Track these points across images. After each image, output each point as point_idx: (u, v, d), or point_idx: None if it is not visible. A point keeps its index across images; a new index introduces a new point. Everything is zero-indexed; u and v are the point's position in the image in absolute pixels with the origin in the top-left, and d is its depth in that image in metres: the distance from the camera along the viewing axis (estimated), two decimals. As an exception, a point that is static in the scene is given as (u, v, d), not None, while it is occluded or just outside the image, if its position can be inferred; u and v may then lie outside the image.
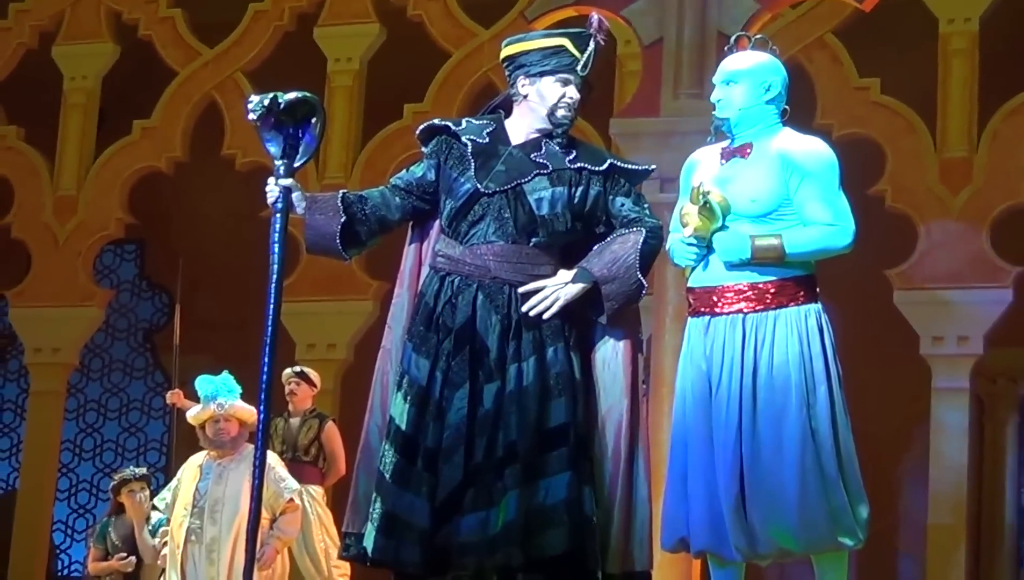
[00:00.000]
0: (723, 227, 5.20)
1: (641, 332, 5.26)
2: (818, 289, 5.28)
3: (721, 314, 5.22)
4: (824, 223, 5.18)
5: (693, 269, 5.33)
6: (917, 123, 10.80)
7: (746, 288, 5.21)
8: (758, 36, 5.47)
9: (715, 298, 5.24)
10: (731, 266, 5.19)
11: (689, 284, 5.36)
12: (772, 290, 5.20)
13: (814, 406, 5.13)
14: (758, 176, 5.21)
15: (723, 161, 5.32)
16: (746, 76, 5.31)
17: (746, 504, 5.11)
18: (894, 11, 10.38)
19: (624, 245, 5.06)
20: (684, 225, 5.24)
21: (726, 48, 5.51)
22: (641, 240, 5.06)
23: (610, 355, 5.12)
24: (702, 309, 5.28)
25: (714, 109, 5.38)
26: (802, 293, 5.23)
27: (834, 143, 11.04)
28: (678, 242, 5.30)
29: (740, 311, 5.20)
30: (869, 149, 10.72)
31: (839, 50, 11.01)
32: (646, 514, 5.09)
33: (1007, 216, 10.62)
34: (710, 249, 5.24)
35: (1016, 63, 11.00)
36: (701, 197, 5.13)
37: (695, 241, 5.22)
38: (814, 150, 5.27)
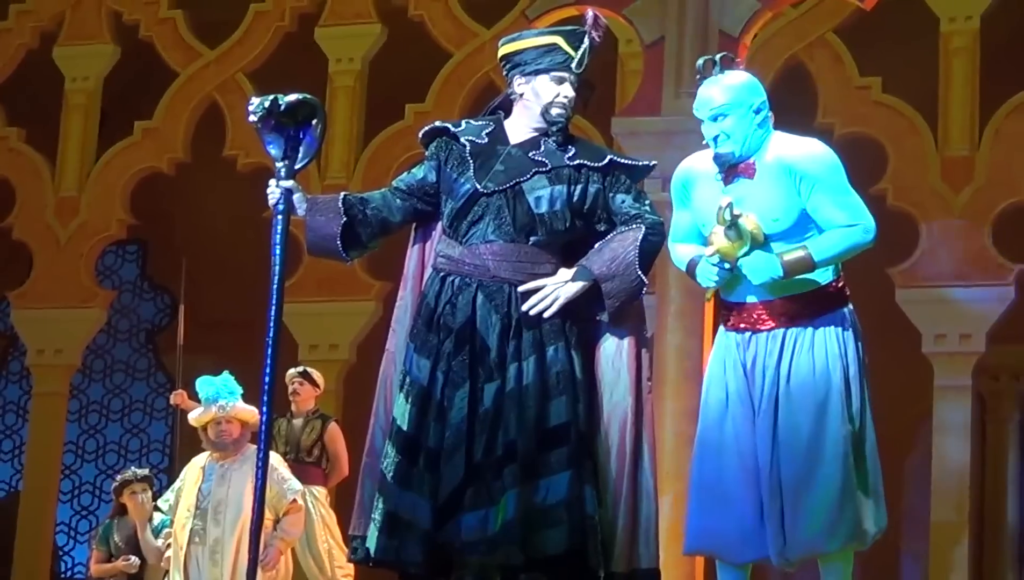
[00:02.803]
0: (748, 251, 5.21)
1: (646, 329, 5.26)
2: (847, 291, 5.31)
3: (761, 330, 5.24)
4: (844, 225, 5.19)
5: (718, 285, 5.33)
6: (919, 122, 10.81)
7: (784, 303, 5.23)
8: (722, 55, 5.43)
9: (756, 315, 5.26)
10: (763, 285, 5.20)
11: (728, 299, 5.35)
12: (808, 302, 5.23)
13: (851, 405, 5.18)
14: (770, 194, 5.20)
15: (725, 182, 5.30)
16: (733, 107, 5.26)
17: (784, 511, 5.14)
18: (895, 10, 10.38)
19: (624, 242, 5.06)
20: (709, 244, 5.23)
21: (697, 76, 5.45)
22: (641, 237, 5.05)
23: (614, 352, 5.11)
24: (742, 325, 5.29)
25: (710, 144, 5.33)
26: (834, 299, 5.27)
27: (835, 142, 11.05)
28: (703, 261, 5.28)
29: (781, 326, 5.22)
30: (871, 148, 10.72)
31: (840, 49, 11.01)
32: (652, 509, 5.08)
33: (1009, 214, 10.62)
34: (733, 270, 5.23)
35: (1017, 61, 11.00)
36: (729, 217, 5.10)
37: (720, 262, 5.21)
38: (813, 154, 5.25)
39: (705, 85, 5.34)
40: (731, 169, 5.27)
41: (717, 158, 5.30)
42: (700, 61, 5.40)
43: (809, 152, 5.25)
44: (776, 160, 5.22)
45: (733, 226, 5.11)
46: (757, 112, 5.28)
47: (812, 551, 5.21)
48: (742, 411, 5.24)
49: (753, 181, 5.24)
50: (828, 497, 5.12)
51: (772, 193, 5.20)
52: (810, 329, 5.23)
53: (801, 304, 5.24)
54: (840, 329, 5.25)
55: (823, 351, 5.20)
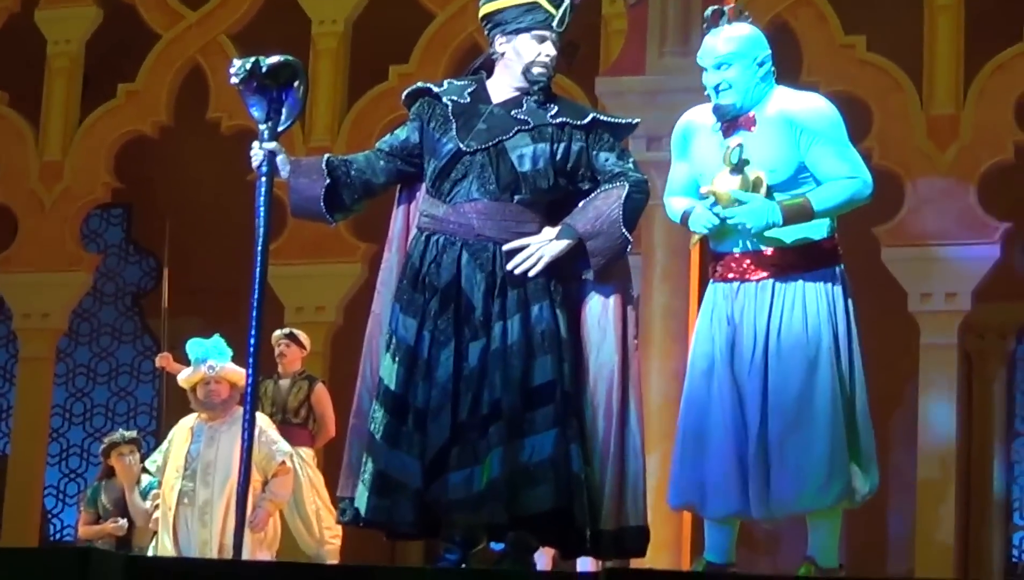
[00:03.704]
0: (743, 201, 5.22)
1: (632, 287, 5.27)
2: (840, 250, 5.33)
3: (750, 280, 5.25)
4: (844, 176, 5.23)
5: (710, 234, 5.34)
6: (903, 80, 10.80)
7: (774, 254, 5.25)
8: (730, 6, 5.44)
9: (745, 265, 5.27)
10: (761, 233, 5.20)
11: (717, 249, 5.37)
12: (799, 255, 5.25)
13: (840, 365, 5.19)
14: (769, 146, 5.24)
15: (724, 134, 5.31)
16: (737, 57, 5.31)
17: (770, 466, 5.15)
18: (879, -32, 10.37)
19: (608, 200, 5.06)
20: (706, 185, 5.24)
21: (703, 25, 5.48)
22: (625, 194, 5.05)
23: (600, 311, 5.12)
24: (730, 275, 5.30)
25: (711, 93, 5.35)
26: (827, 256, 5.29)
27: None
28: (701, 207, 5.29)
29: (769, 277, 5.24)
30: (855, 107, 10.70)
31: (824, 7, 10.99)
32: (639, 467, 5.10)
33: (994, 172, 10.62)
34: (723, 220, 5.25)
35: (1002, 19, 10.98)
36: (736, 159, 5.12)
37: (712, 205, 5.22)
38: (816, 108, 5.30)
39: (711, 35, 5.37)
40: (731, 122, 5.29)
41: (717, 109, 5.33)
42: (708, 10, 5.43)
43: (813, 106, 5.29)
44: (778, 113, 5.24)
45: (739, 170, 5.14)
46: (760, 65, 5.31)
47: (800, 509, 5.23)
48: (727, 365, 5.26)
49: (752, 133, 5.27)
50: (817, 455, 5.13)
51: (772, 144, 5.23)
52: (800, 283, 5.24)
53: (793, 257, 5.26)
54: (831, 286, 5.26)
55: (815, 308, 5.22)
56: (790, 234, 5.25)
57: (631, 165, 5.16)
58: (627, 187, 5.07)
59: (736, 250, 5.32)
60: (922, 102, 10.74)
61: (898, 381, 11.69)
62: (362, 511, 5.05)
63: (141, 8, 12.60)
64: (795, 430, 5.15)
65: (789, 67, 10.59)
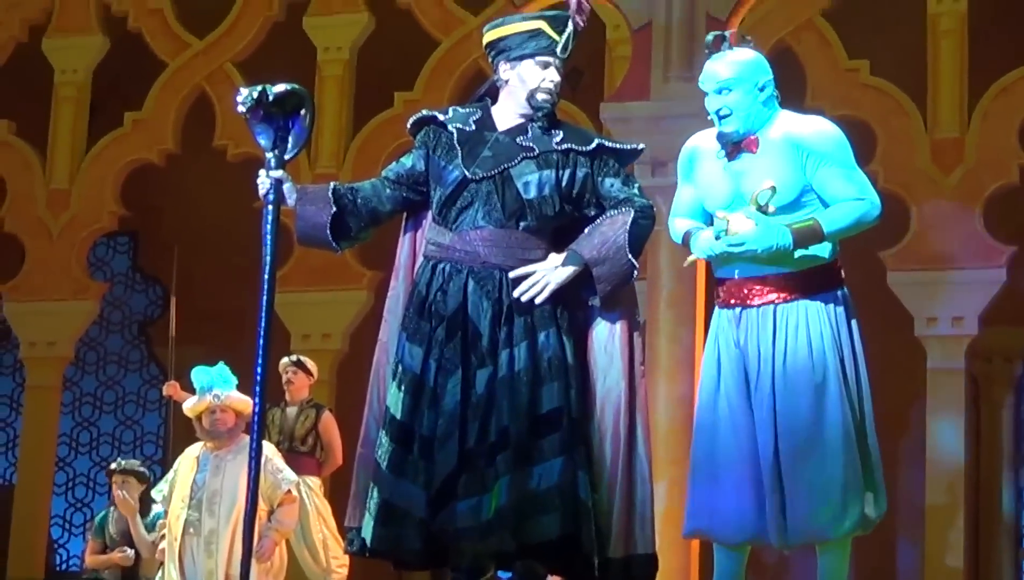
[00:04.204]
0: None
1: (638, 313, 5.27)
2: (843, 273, 5.32)
3: (752, 306, 5.25)
4: (852, 198, 5.22)
5: (713, 261, 5.34)
6: (907, 104, 10.80)
7: (776, 279, 5.24)
8: (732, 31, 5.45)
9: (746, 290, 5.27)
10: (769, 257, 5.19)
11: (717, 274, 5.37)
12: (800, 279, 5.24)
13: (848, 391, 5.18)
14: (773, 168, 5.23)
15: (729, 157, 5.32)
16: (738, 82, 5.31)
17: (785, 493, 5.14)
18: (883, -8, 10.38)
19: (613, 226, 5.06)
20: (726, 222, 5.23)
21: (705, 50, 5.49)
22: (631, 220, 5.05)
23: (607, 337, 5.12)
24: (732, 301, 5.30)
25: (713, 119, 5.37)
26: (830, 280, 5.28)
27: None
28: (707, 232, 5.29)
29: (771, 302, 5.24)
30: (860, 131, 10.70)
31: (828, 32, 11.00)
32: (647, 494, 5.09)
33: (999, 195, 10.62)
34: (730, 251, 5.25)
35: (1004, 42, 11.00)
36: (764, 201, 5.12)
37: (721, 231, 5.22)
38: (822, 130, 5.30)
39: (712, 60, 5.38)
40: (734, 146, 5.30)
41: (720, 137, 5.34)
42: (709, 36, 5.44)
43: (819, 128, 5.30)
44: (784, 136, 5.24)
45: (763, 212, 5.13)
46: (762, 90, 5.31)
47: (817, 538, 5.20)
48: (736, 390, 5.25)
49: (756, 155, 5.27)
50: (832, 484, 5.12)
51: (776, 167, 5.22)
52: (803, 307, 5.23)
53: (793, 281, 5.25)
54: (835, 309, 5.25)
55: (818, 331, 5.21)
56: (790, 258, 5.24)
57: (636, 191, 5.16)
58: (633, 213, 5.07)
59: (736, 274, 5.31)
60: (926, 126, 10.74)
61: (905, 405, 11.68)
62: (369, 541, 5.04)
63: (147, 36, 12.64)
64: (808, 456, 5.14)
65: (793, 92, 10.60)
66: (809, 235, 5.19)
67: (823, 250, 5.28)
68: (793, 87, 10.71)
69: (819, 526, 5.15)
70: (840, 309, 5.27)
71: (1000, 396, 12.85)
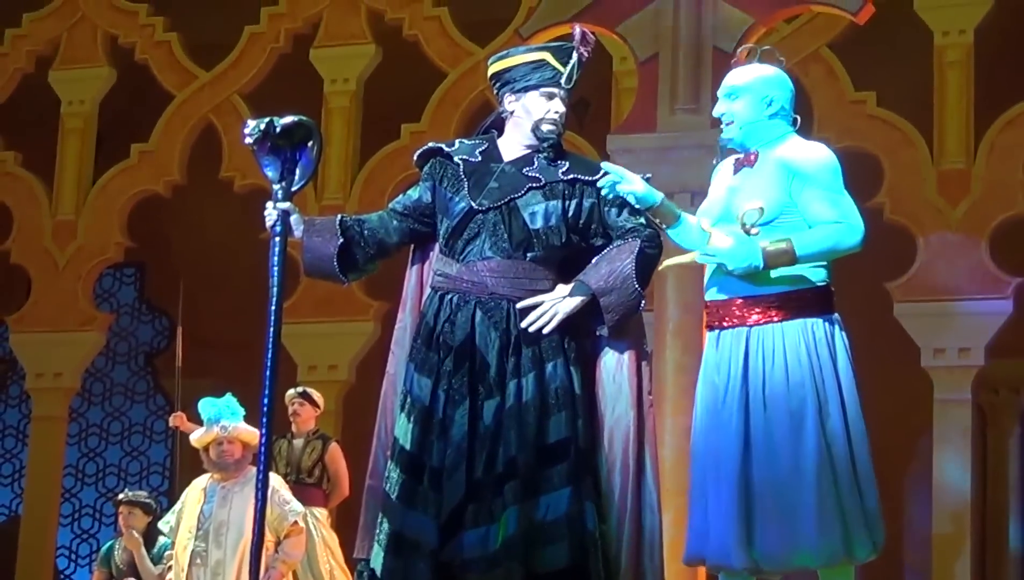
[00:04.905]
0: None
1: (646, 343, 5.26)
2: (834, 300, 5.27)
3: (728, 328, 5.23)
4: (831, 221, 5.15)
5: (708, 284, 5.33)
6: (914, 135, 10.82)
7: (753, 301, 5.20)
8: (765, 48, 5.45)
9: (723, 312, 5.25)
10: (743, 275, 5.16)
11: (705, 298, 5.36)
12: (778, 302, 5.18)
13: (828, 420, 5.10)
14: (761, 184, 5.20)
15: (735, 172, 5.33)
16: (747, 91, 5.31)
17: (756, 520, 5.09)
18: (889, 24, 10.40)
19: (620, 256, 5.06)
20: (708, 235, 5.21)
21: (732, 62, 5.51)
22: (637, 249, 5.05)
23: (614, 367, 5.12)
24: (713, 323, 5.29)
25: (720, 122, 5.39)
26: (811, 305, 5.21)
27: (831, 156, 10.88)
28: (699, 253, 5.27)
29: (744, 324, 5.19)
30: (866, 162, 10.73)
31: (834, 63, 11.03)
32: (655, 523, 5.08)
33: (1006, 227, 10.63)
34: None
35: (1011, 74, 11.02)
36: (749, 223, 5.10)
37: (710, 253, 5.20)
38: (812, 153, 5.26)
39: (735, 69, 5.39)
40: (743, 159, 5.30)
41: (720, 142, 5.34)
42: (740, 48, 5.45)
43: (810, 152, 5.25)
44: (779, 157, 5.22)
45: (746, 233, 5.10)
46: (769, 104, 5.29)
47: (788, 566, 5.16)
48: (712, 413, 5.21)
49: (752, 170, 5.26)
50: (804, 512, 5.05)
51: (763, 184, 5.19)
52: (780, 332, 5.14)
53: (772, 303, 5.19)
54: (817, 335, 5.17)
55: (796, 357, 5.12)
56: (766, 281, 5.19)
57: (643, 220, 5.16)
58: (639, 242, 5.07)
59: (716, 297, 5.29)
60: (933, 157, 10.76)
61: (911, 436, 11.69)
62: (378, 572, 5.03)
63: (154, 68, 12.68)
64: (780, 484, 5.08)
65: (800, 122, 10.65)
66: (781, 256, 5.12)
67: (811, 272, 5.23)
68: (800, 118, 10.75)
69: (792, 555, 5.09)
70: (824, 334, 5.19)
71: (1007, 427, 12.84)
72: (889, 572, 11.26)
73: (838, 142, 10.79)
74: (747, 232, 5.09)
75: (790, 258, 5.11)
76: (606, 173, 5.12)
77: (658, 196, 5.19)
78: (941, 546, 10.40)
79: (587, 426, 5.02)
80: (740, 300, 5.21)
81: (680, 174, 8.71)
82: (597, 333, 5.12)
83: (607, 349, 5.13)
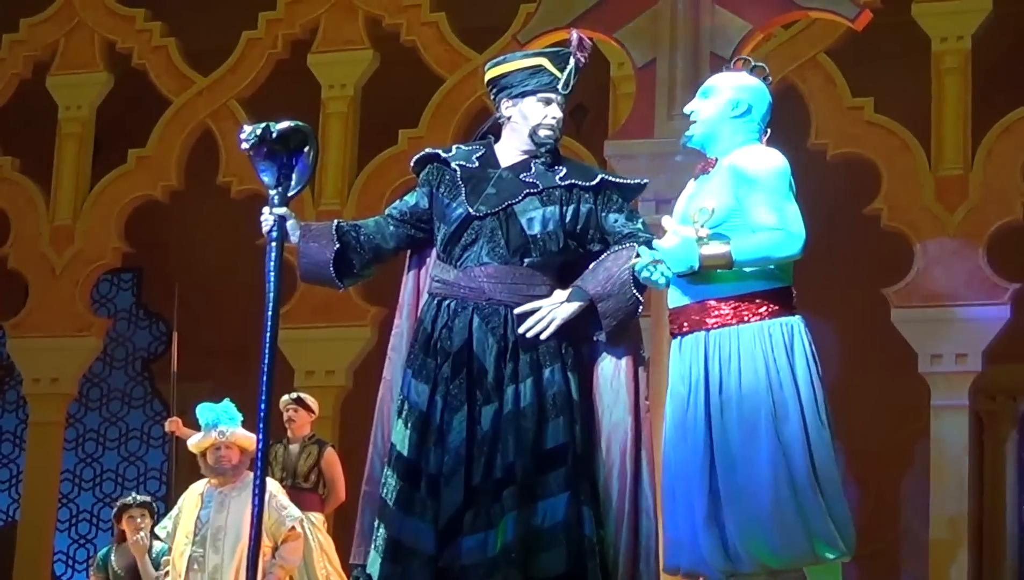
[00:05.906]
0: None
1: (643, 349, 5.26)
2: (794, 302, 5.22)
3: (688, 333, 5.20)
4: (771, 228, 5.09)
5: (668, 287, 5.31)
6: (912, 142, 10.83)
7: (709, 306, 5.17)
8: (758, 64, 5.44)
9: (682, 317, 5.22)
10: (683, 275, 5.13)
11: (667, 306, 5.35)
12: (733, 306, 5.16)
13: (783, 421, 5.05)
14: (714, 189, 5.19)
15: (695, 179, 5.33)
16: (716, 93, 5.31)
17: (726, 526, 5.08)
18: (886, 30, 10.40)
19: (618, 261, 5.07)
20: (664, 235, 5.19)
21: (724, 68, 5.51)
22: (635, 255, 5.05)
23: (612, 372, 5.12)
24: (674, 329, 5.27)
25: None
26: (767, 307, 5.16)
27: (829, 163, 11.08)
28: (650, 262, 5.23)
29: (701, 329, 5.17)
30: (864, 168, 10.74)
31: (832, 70, 11.03)
32: (652, 528, 5.09)
33: (1003, 233, 10.63)
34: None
35: (1009, 80, 11.03)
36: (702, 219, 5.08)
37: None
38: (762, 159, 5.18)
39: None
40: (703, 165, 5.29)
41: (682, 138, 5.34)
42: (734, 60, 5.43)
43: (760, 158, 5.18)
44: (730, 163, 5.20)
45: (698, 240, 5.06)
46: (735, 107, 5.27)
47: (763, 567, 5.14)
48: (679, 425, 5.18)
49: (708, 176, 5.26)
50: (766, 519, 5.02)
51: (714, 189, 5.17)
52: (735, 337, 5.12)
53: (722, 308, 5.17)
54: (767, 340, 5.13)
55: (750, 362, 5.07)
56: (723, 282, 5.16)
57: (640, 226, 5.17)
58: (637, 248, 5.07)
59: (675, 302, 5.26)
60: (930, 163, 10.76)
61: (909, 442, 11.69)
62: (375, 577, 5.03)
63: (152, 73, 12.68)
64: (740, 492, 5.06)
65: (798, 129, 10.66)
66: (717, 259, 5.08)
67: (767, 275, 5.19)
68: (798, 124, 10.76)
69: (755, 555, 5.07)
70: (782, 337, 5.14)
71: (1004, 433, 12.84)
72: (886, 577, 11.27)
73: (836, 148, 10.82)
74: (696, 232, 5.08)
75: (727, 262, 5.07)
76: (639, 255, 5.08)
77: (696, 260, 5.13)
78: (938, 552, 10.40)
79: (584, 431, 5.03)
80: (697, 304, 5.19)
81: (677, 179, 8.66)
82: (595, 338, 5.12)
83: (604, 354, 5.14)
